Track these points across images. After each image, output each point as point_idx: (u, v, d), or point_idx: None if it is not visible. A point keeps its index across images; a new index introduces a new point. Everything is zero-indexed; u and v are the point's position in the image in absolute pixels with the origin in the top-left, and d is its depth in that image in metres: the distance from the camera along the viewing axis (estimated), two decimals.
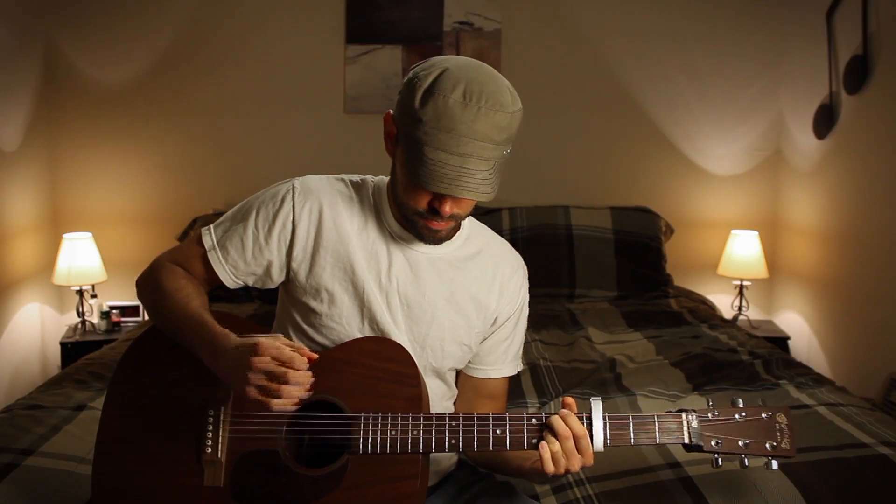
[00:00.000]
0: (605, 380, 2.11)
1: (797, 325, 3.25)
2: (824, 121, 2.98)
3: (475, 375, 1.30)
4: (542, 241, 3.07)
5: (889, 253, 2.60)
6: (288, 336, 1.23)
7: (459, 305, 1.22)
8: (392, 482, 1.07)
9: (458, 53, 3.25)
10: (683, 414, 1.06)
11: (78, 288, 3.02)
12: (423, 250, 1.21)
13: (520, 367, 1.35)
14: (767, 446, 1.04)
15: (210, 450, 1.09)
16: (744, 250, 3.21)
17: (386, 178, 1.25)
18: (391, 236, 1.21)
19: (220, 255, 1.20)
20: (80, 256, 2.96)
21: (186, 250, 1.24)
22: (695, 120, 3.38)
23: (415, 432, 1.07)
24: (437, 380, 1.25)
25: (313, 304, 1.19)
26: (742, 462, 1.07)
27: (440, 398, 1.27)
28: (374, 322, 1.19)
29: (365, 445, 1.07)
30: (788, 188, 3.35)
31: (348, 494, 1.07)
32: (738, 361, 2.22)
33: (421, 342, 1.21)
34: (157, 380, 1.16)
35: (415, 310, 1.20)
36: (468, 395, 1.31)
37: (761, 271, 3.22)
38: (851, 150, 2.85)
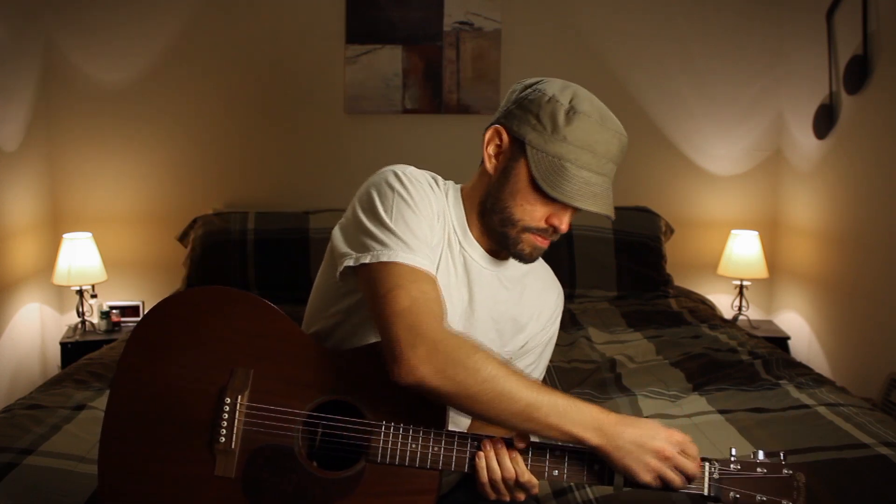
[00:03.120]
0: (605, 380, 2.11)
1: (797, 325, 3.25)
2: (824, 121, 2.98)
3: None
4: None
5: (889, 253, 2.60)
6: (335, 329, 1.20)
7: (500, 324, 1.23)
8: (408, 495, 1.06)
9: (458, 53, 3.26)
10: (706, 465, 1.06)
11: (78, 288, 3.02)
12: (483, 263, 1.21)
13: None
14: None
15: (224, 439, 1.07)
16: (744, 250, 3.21)
17: (455, 185, 1.25)
18: (459, 243, 1.20)
19: (422, 252, 1.09)
20: (80, 256, 2.96)
21: (412, 296, 1.04)
22: (695, 120, 3.38)
23: (436, 448, 1.06)
24: None
25: None
26: None
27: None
28: None
29: (384, 455, 1.06)
30: (788, 188, 3.35)
31: (362, 502, 1.06)
32: (738, 361, 2.22)
33: None
34: (166, 365, 1.12)
35: (475, 326, 1.21)
36: None
37: (761, 271, 3.22)
38: (851, 150, 2.85)
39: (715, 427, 1.73)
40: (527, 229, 1.14)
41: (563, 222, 1.13)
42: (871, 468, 1.51)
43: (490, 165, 1.17)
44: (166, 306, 1.15)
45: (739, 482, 1.05)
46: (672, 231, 3.28)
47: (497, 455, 1.04)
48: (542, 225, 1.13)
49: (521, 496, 1.05)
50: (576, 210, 1.12)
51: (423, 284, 1.06)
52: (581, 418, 1.01)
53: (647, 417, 1.79)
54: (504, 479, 1.04)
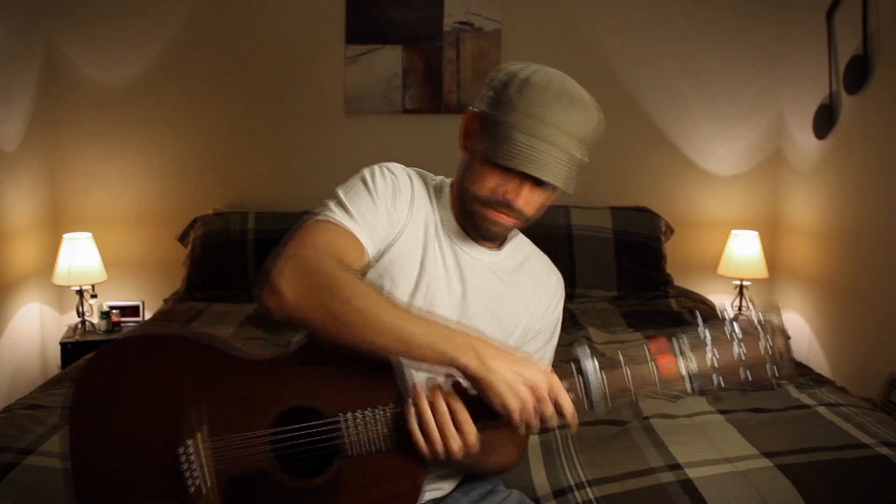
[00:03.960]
0: None
1: (797, 325, 3.25)
2: (824, 121, 2.98)
3: None
4: (541, 241, 3.00)
5: (889, 253, 2.60)
6: None
7: (500, 318, 1.23)
8: (391, 479, 1.03)
9: (458, 53, 3.26)
10: (680, 361, 1.02)
11: (78, 288, 3.02)
12: (475, 255, 1.21)
13: None
14: (768, 371, 1.01)
15: (195, 486, 1.01)
16: (744, 250, 3.21)
17: (447, 179, 1.26)
18: (448, 237, 1.21)
19: (358, 221, 1.11)
20: (80, 256, 2.96)
21: (315, 238, 1.07)
22: (695, 120, 3.38)
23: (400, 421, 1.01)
24: None
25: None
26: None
27: None
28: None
29: (353, 447, 1.02)
30: (788, 188, 3.35)
31: (352, 498, 1.04)
32: None
33: None
34: (117, 424, 1.04)
35: (466, 312, 1.20)
36: None
37: (761, 271, 3.22)
38: (851, 150, 2.85)
39: (715, 427, 1.73)
40: (479, 201, 1.13)
41: (516, 194, 1.10)
42: (871, 468, 1.51)
43: (462, 149, 1.20)
44: (101, 363, 1.09)
45: (721, 368, 1.01)
46: (672, 231, 3.28)
47: (432, 395, 1.00)
48: (495, 196, 1.11)
49: (455, 445, 0.98)
50: (536, 185, 1.09)
51: (338, 239, 1.08)
52: (456, 340, 0.97)
53: (646, 417, 1.79)
54: (438, 419, 0.98)
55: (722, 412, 1.82)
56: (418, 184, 1.22)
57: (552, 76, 1.12)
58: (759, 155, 3.41)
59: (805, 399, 1.89)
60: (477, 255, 1.22)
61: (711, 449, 1.60)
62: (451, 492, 1.28)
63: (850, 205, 2.87)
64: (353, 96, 3.27)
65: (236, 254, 2.97)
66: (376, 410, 1.03)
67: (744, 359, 1.01)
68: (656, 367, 1.02)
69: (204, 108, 3.27)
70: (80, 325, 3.05)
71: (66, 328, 3.13)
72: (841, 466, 1.51)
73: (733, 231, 3.28)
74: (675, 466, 1.52)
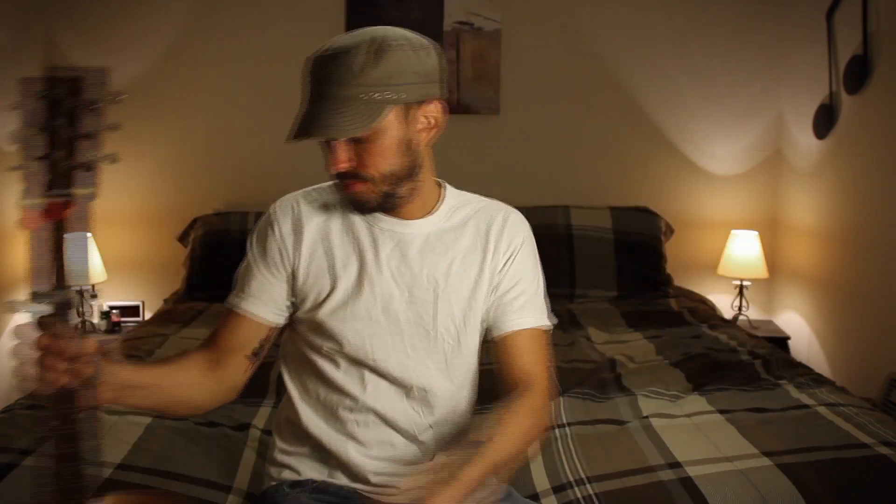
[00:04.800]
0: (605, 380, 2.10)
1: (797, 325, 3.25)
2: (824, 121, 2.98)
3: (500, 334, 1.23)
4: (541, 241, 3.00)
5: (889, 253, 2.60)
6: (309, 376, 1.23)
7: (461, 275, 1.20)
8: None
9: (458, 53, 3.26)
10: None
11: (78, 288, 3.01)
12: (409, 230, 1.19)
13: (550, 320, 1.28)
14: None
15: None
16: (744, 250, 3.21)
17: None
18: (376, 227, 1.20)
19: (245, 297, 1.20)
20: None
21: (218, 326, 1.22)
22: (695, 120, 3.38)
23: None
24: (446, 381, 1.22)
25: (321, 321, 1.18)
26: None
27: (449, 400, 1.23)
28: (375, 315, 1.17)
29: None
30: (788, 188, 3.35)
31: None
32: (738, 361, 2.22)
33: (431, 327, 1.19)
34: None
35: (415, 292, 1.18)
36: (504, 366, 1.23)
37: (761, 271, 3.22)
38: (851, 150, 2.85)
39: (715, 427, 1.73)
40: (336, 182, 1.16)
41: (333, 161, 1.10)
42: (871, 468, 1.51)
43: None
44: None
45: None
46: (672, 231, 3.28)
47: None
48: (333, 171, 1.12)
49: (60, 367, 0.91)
50: (344, 142, 1.09)
51: (237, 329, 1.20)
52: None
53: (646, 417, 1.79)
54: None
55: (721, 412, 1.82)
56: (305, 207, 1.23)
57: (329, 41, 1.10)
58: (759, 155, 3.41)
59: (805, 399, 1.89)
60: (411, 230, 1.20)
61: (711, 448, 1.60)
62: None
63: (850, 205, 2.87)
64: None
65: (236, 254, 2.95)
66: None
67: None
68: None
69: (204, 108, 3.27)
70: (80, 326, 3.05)
71: None
72: (841, 466, 1.51)
73: (733, 231, 3.28)
74: (675, 465, 1.52)
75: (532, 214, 3.20)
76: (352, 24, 3.23)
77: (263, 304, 1.20)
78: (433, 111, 1.12)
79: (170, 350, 2.34)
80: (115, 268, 3.20)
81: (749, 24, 3.31)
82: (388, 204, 1.15)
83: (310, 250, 1.19)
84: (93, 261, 3.01)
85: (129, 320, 3.14)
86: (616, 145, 3.39)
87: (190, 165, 3.30)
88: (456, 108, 3.29)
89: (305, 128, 1.06)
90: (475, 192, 1.29)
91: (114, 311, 3.10)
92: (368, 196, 1.13)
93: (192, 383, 1.15)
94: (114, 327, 3.06)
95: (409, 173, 1.13)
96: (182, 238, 3.13)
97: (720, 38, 3.32)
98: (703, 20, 3.31)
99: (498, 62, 3.26)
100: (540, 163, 3.34)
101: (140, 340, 2.44)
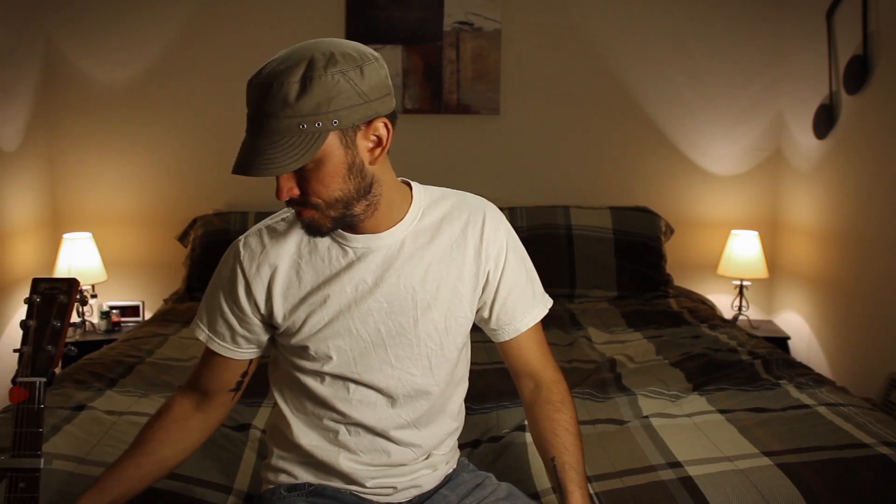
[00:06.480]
0: (605, 380, 2.10)
1: (797, 325, 3.25)
2: (824, 121, 2.98)
3: (507, 338, 1.26)
4: (542, 241, 3.07)
5: (889, 253, 2.60)
6: (296, 391, 1.22)
7: (440, 279, 1.17)
8: None
9: (457, 53, 3.26)
10: None
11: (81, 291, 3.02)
12: (379, 242, 1.15)
13: (548, 303, 1.30)
14: None
15: None
16: (744, 250, 3.21)
17: None
18: (346, 245, 1.16)
19: (224, 342, 1.21)
20: (80, 256, 2.96)
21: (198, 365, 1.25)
22: (695, 120, 3.38)
23: None
24: (432, 385, 1.21)
25: (310, 352, 1.17)
26: None
27: (436, 402, 1.23)
28: (356, 331, 1.16)
29: None
30: (788, 188, 3.35)
31: None
32: (738, 361, 2.22)
33: (413, 335, 1.17)
34: None
35: (394, 303, 1.15)
36: (513, 363, 1.28)
37: (761, 271, 3.22)
38: (851, 150, 2.85)
39: (715, 427, 1.73)
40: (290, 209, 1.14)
41: (279, 192, 1.05)
42: (871, 468, 1.50)
43: None
44: None
45: None
46: (672, 231, 3.29)
47: None
48: (283, 199, 1.07)
49: None
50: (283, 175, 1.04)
51: (216, 369, 1.23)
52: None
53: (647, 416, 1.80)
54: None
55: (722, 412, 1.82)
56: (270, 242, 1.17)
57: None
58: (759, 155, 3.41)
59: (805, 399, 1.89)
60: (383, 242, 1.15)
61: (711, 447, 1.60)
62: (438, 488, 1.28)
63: (850, 205, 2.87)
64: None
65: None
66: None
67: None
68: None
69: (204, 108, 3.26)
70: (80, 326, 3.05)
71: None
72: (841, 466, 1.51)
73: (733, 231, 3.28)
74: (675, 464, 1.52)
75: (532, 214, 3.25)
76: (352, 24, 3.23)
77: (241, 346, 1.21)
78: (379, 129, 1.04)
79: (170, 350, 2.34)
80: (115, 268, 3.20)
81: (749, 24, 3.31)
82: (345, 224, 1.11)
83: (283, 286, 1.16)
84: (93, 261, 3.01)
85: (129, 320, 3.14)
86: (616, 145, 3.39)
87: (190, 165, 3.30)
88: (456, 108, 3.29)
89: (243, 165, 0.99)
90: (475, 192, 1.28)
91: (114, 311, 3.10)
92: (320, 222, 1.08)
93: (171, 452, 1.20)
94: (114, 327, 3.06)
95: (361, 194, 1.07)
96: (182, 238, 3.13)
97: (720, 38, 3.32)
98: (703, 20, 3.31)
99: (498, 62, 3.26)
100: (540, 163, 3.34)
101: (140, 340, 2.44)
